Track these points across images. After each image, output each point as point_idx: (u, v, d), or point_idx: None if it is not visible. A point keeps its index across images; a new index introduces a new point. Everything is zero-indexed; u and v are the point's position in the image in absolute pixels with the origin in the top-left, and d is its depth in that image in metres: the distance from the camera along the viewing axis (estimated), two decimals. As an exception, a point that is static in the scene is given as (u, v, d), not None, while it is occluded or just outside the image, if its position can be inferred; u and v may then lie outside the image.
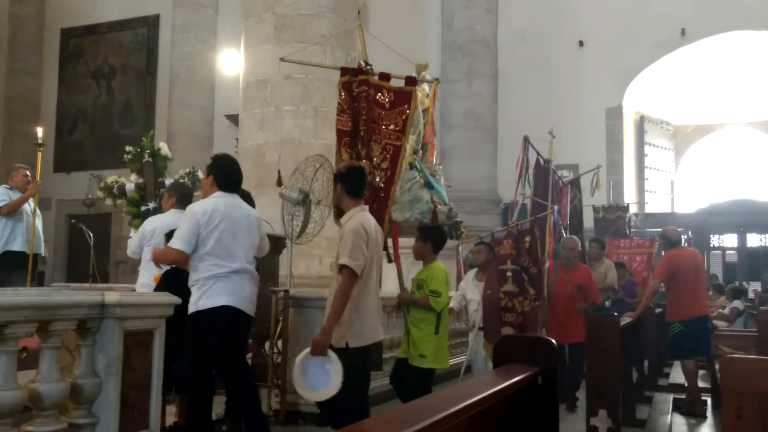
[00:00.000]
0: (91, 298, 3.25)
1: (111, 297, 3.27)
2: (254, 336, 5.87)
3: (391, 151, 4.87)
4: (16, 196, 6.96)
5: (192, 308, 3.94)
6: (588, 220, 10.26)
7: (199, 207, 4.07)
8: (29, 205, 6.99)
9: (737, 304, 10.07)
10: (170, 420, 4.48)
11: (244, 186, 4.69)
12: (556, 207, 6.07)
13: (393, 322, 6.08)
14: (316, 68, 8.02)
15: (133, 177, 8.05)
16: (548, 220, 6.00)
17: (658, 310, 7.82)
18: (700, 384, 6.73)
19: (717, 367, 6.21)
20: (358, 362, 4.04)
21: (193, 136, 15.82)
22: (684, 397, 6.50)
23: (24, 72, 18.32)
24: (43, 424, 3.05)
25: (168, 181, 7.66)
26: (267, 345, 5.60)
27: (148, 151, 8.03)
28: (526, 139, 6.47)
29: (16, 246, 6.90)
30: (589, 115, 14.71)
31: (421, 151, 8.66)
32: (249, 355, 6.00)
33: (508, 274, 5.56)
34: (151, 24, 17.78)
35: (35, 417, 3.07)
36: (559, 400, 2.47)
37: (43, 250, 7.27)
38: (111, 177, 8.44)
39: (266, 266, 5.88)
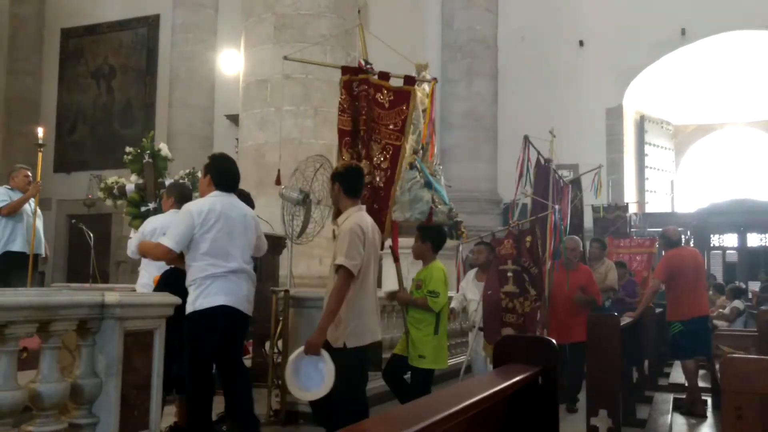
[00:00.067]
0: (91, 298, 3.25)
1: (111, 297, 3.26)
2: (254, 336, 5.88)
3: (390, 151, 4.87)
4: (17, 196, 6.96)
5: (189, 308, 3.93)
6: (587, 220, 10.25)
7: (195, 206, 4.06)
8: (30, 206, 6.99)
9: (737, 303, 10.08)
10: (170, 420, 4.48)
11: (244, 186, 4.69)
12: (557, 206, 6.05)
13: (393, 322, 6.08)
14: (316, 68, 8.02)
15: (133, 177, 8.06)
16: (549, 219, 5.99)
17: (658, 310, 7.82)
18: (701, 384, 6.73)
19: (717, 366, 6.21)
20: (356, 362, 4.04)
21: (193, 136, 15.82)
22: (684, 396, 6.50)
23: (24, 72, 18.33)
24: (44, 424, 3.05)
25: (168, 182, 7.66)
26: (267, 345, 5.60)
27: (148, 151, 8.03)
28: (526, 139, 6.46)
29: (16, 246, 6.90)
30: (589, 115, 14.71)
31: (421, 151, 8.65)
32: (249, 356, 6.03)
33: (509, 274, 5.56)
34: (151, 24, 17.78)
35: (35, 417, 3.07)
36: (560, 400, 2.47)
37: (43, 251, 7.26)
38: (111, 177, 8.45)
39: (266, 266, 5.88)
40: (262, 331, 5.68)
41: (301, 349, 4.00)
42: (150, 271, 4.94)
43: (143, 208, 7.74)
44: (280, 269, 6.46)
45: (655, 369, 7.89)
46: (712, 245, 14.56)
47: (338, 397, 4.01)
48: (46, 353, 3.10)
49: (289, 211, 5.74)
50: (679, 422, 6.03)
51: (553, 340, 2.37)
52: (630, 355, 6.15)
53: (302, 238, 5.85)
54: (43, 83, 18.58)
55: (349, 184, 4.17)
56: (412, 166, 8.70)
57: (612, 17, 14.67)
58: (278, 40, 8.53)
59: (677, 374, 7.61)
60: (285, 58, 5.80)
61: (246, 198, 4.66)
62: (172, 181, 7.78)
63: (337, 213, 4.32)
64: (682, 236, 9.73)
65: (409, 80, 5.01)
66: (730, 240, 14.63)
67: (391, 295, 5.24)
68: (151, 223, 5.23)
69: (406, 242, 5.66)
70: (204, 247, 3.93)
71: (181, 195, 5.17)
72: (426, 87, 8.57)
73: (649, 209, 15.18)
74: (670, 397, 6.54)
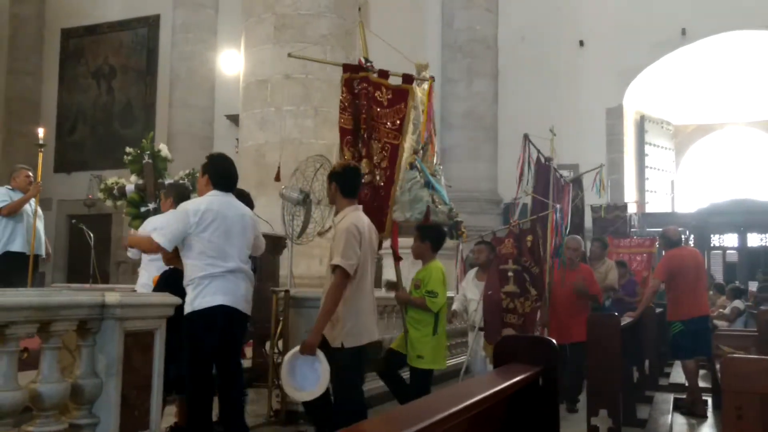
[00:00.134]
0: (91, 298, 3.25)
1: (111, 297, 3.26)
2: (254, 336, 5.88)
3: (389, 150, 4.86)
4: (17, 196, 6.96)
5: (188, 308, 3.91)
6: (587, 220, 10.25)
7: (192, 205, 4.06)
8: (30, 206, 6.99)
9: (738, 303, 10.08)
10: (170, 420, 4.48)
11: (245, 186, 4.69)
12: (558, 206, 6.04)
13: (393, 322, 6.08)
14: (316, 68, 8.03)
15: (133, 178, 8.06)
16: (550, 218, 5.98)
17: (658, 310, 7.82)
18: (701, 384, 6.73)
19: (717, 366, 6.21)
20: (354, 362, 4.04)
21: (194, 137, 15.82)
22: (685, 396, 6.50)
23: (24, 72, 18.34)
24: (44, 424, 3.05)
25: (168, 182, 7.66)
26: (267, 345, 5.60)
27: (148, 152, 8.04)
28: (526, 137, 6.46)
29: (16, 247, 6.90)
30: (589, 115, 14.70)
31: (421, 152, 8.65)
32: (249, 357, 6.03)
33: (510, 274, 5.55)
34: (151, 24, 17.79)
35: (36, 417, 3.07)
36: (560, 398, 2.47)
37: (43, 251, 7.25)
38: (111, 178, 8.46)
39: (266, 266, 5.88)
40: (262, 331, 5.68)
41: (297, 348, 4.00)
42: (150, 272, 4.93)
43: (143, 209, 7.75)
44: (281, 269, 6.46)
45: (655, 369, 7.88)
46: (712, 245, 14.55)
47: (336, 397, 4.01)
48: (47, 353, 3.10)
49: (290, 211, 5.74)
50: (680, 422, 6.03)
51: (554, 340, 2.37)
52: (630, 355, 6.15)
53: (302, 238, 5.85)
54: (44, 83, 18.59)
55: (346, 183, 4.17)
56: (412, 166, 8.69)
57: (612, 17, 14.67)
58: (278, 40, 8.53)
59: (678, 374, 7.61)
60: (290, 55, 5.80)
61: (245, 198, 4.66)
62: (171, 181, 7.78)
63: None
64: (682, 236, 9.72)
65: (408, 79, 5.01)
66: (731, 240, 14.62)
67: (391, 284, 5.22)
68: (151, 223, 5.22)
69: (407, 242, 5.66)
70: (201, 246, 3.92)
71: (180, 195, 5.17)
72: (425, 86, 8.57)
73: (649, 209, 15.17)
74: (671, 397, 6.54)
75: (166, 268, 4.36)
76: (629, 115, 15.55)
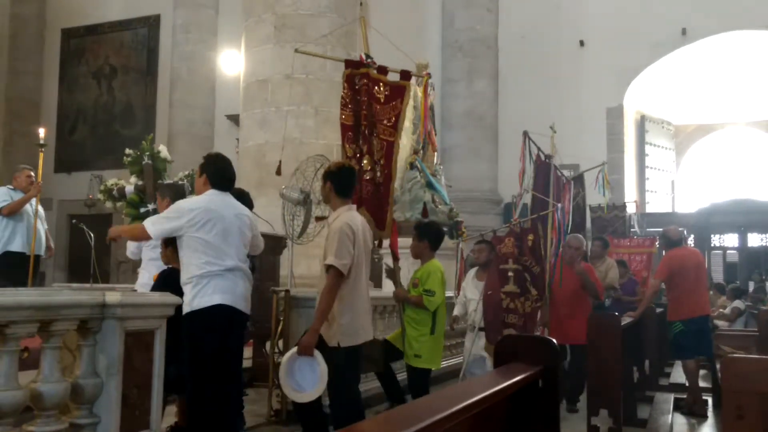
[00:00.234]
0: (92, 298, 3.25)
1: (112, 297, 3.26)
2: (254, 336, 5.89)
3: (385, 147, 4.85)
4: (18, 196, 6.96)
5: (187, 308, 3.90)
6: (586, 220, 10.24)
7: (188, 204, 4.05)
8: (31, 206, 6.99)
9: (738, 303, 10.09)
10: (171, 420, 4.48)
11: (245, 186, 4.69)
12: (559, 205, 6.02)
13: (394, 322, 6.08)
14: (317, 68, 8.03)
15: (133, 179, 8.07)
16: (551, 217, 5.97)
17: (659, 310, 7.81)
18: (701, 384, 6.72)
19: (718, 366, 6.21)
20: (351, 362, 4.05)
21: (194, 137, 15.83)
22: (685, 396, 6.50)
23: (25, 72, 18.35)
24: (45, 424, 3.05)
25: (161, 183, 7.67)
26: (267, 345, 5.60)
27: (147, 153, 8.04)
28: (525, 134, 6.46)
29: (15, 246, 6.90)
30: (589, 115, 14.70)
31: (422, 151, 8.65)
32: (249, 357, 6.03)
33: (510, 274, 5.54)
34: (151, 24, 17.80)
35: (36, 417, 3.07)
36: (559, 397, 2.47)
37: (44, 251, 7.25)
38: (111, 179, 8.47)
39: (266, 266, 5.89)
40: (262, 331, 5.68)
41: (295, 350, 4.00)
42: (150, 271, 4.94)
43: (142, 210, 7.76)
44: (281, 269, 6.46)
45: (655, 369, 7.89)
46: (712, 245, 14.55)
47: (332, 396, 4.01)
48: (47, 353, 3.11)
49: (290, 211, 5.75)
50: (680, 422, 6.03)
51: (554, 340, 2.37)
52: (631, 355, 6.15)
53: (303, 238, 5.85)
54: (44, 83, 18.60)
55: (340, 183, 4.17)
56: (412, 166, 8.69)
57: (612, 17, 14.66)
58: (278, 40, 8.53)
59: (678, 374, 7.60)
60: (296, 50, 5.79)
61: (245, 197, 4.66)
62: (169, 182, 7.79)
63: None
64: (683, 236, 9.72)
65: (405, 75, 5.00)
66: (731, 240, 14.61)
67: (389, 271, 5.21)
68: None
69: (406, 242, 5.66)
70: (198, 245, 3.91)
71: (177, 194, 5.18)
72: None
73: (649, 209, 15.17)
74: (671, 396, 6.54)
75: (166, 267, 4.36)
76: (629, 115, 15.54)
